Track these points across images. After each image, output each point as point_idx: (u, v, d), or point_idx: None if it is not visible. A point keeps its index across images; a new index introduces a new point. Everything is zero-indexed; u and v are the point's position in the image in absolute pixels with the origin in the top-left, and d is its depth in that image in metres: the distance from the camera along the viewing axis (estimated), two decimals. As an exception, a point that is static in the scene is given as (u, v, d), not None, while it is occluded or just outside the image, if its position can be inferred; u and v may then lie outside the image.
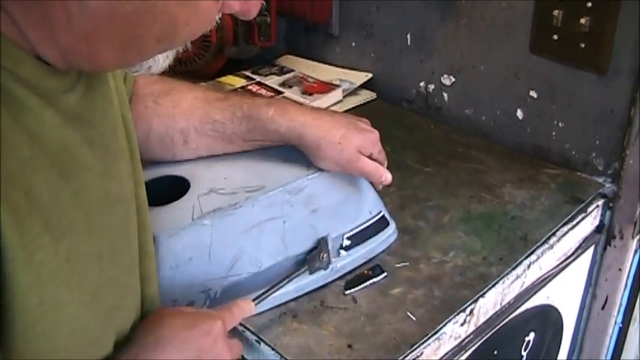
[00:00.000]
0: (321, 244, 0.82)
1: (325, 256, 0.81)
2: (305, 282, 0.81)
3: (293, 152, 0.85)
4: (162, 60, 0.55)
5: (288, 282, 0.78)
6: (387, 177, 0.86)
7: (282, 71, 1.39)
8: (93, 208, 0.54)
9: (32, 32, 0.47)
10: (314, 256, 0.81)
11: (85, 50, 0.48)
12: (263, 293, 0.75)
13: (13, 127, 0.47)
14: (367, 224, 0.87)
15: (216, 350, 0.64)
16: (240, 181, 0.81)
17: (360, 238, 0.86)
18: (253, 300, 0.73)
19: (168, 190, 0.80)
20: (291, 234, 0.80)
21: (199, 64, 1.34)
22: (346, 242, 0.85)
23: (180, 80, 0.90)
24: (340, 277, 0.84)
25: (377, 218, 0.88)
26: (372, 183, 0.89)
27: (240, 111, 0.84)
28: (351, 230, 0.85)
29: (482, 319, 0.85)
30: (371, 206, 0.88)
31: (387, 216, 0.90)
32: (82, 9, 0.45)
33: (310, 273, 0.81)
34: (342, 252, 0.84)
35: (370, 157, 0.85)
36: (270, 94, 1.30)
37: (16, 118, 0.47)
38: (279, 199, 0.79)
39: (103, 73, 0.59)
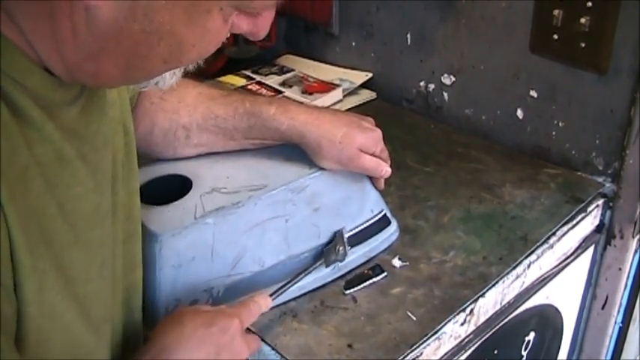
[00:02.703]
0: (336, 237, 0.82)
1: (341, 248, 0.82)
2: (306, 281, 0.81)
3: (295, 151, 0.85)
4: (170, 77, 0.55)
5: (305, 276, 0.78)
6: (387, 170, 0.86)
7: (283, 71, 1.40)
8: (82, 221, 0.54)
9: (40, 46, 0.47)
10: (330, 249, 0.81)
11: (91, 67, 0.48)
12: (280, 288, 0.75)
13: (18, 135, 0.47)
14: (369, 223, 0.87)
15: (234, 347, 0.64)
16: (243, 180, 0.81)
17: (361, 236, 0.86)
18: (270, 295, 0.73)
19: (170, 189, 0.80)
20: (294, 233, 0.80)
21: (199, 64, 1.34)
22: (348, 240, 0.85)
23: (185, 78, 0.90)
24: (341, 276, 0.84)
25: (379, 217, 0.88)
26: (374, 181, 0.88)
27: (243, 107, 0.84)
28: (353, 229, 0.85)
29: (482, 319, 0.85)
30: (373, 205, 0.88)
31: (389, 215, 0.90)
32: (89, 25, 0.45)
33: (327, 266, 0.81)
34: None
35: (374, 155, 0.85)
36: (270, 93, 1.30)
37: (20, 127, 0.47)
38: (281, 198, 0.79)
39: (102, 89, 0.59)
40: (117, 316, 0.64)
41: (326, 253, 0.81)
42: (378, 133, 0.86)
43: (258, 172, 0.82)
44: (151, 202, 0.77)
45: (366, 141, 0.83)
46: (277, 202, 0.79)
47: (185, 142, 0.85)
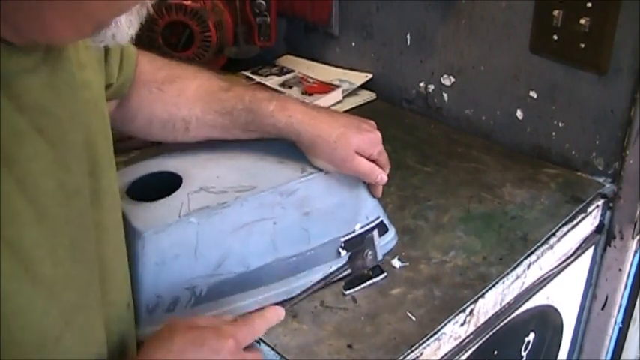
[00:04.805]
0: (365, 242, 0.80)
1: (370, 253, 0.79)
2: (295, 285, 0.81)
3: (291, 154, 0.84)
4: (127, 27, 0.52)
5: (325, 282, 0.78)
6: (382, 177, 0.85)
7: (282, 71, 1.40)
8: (45, 198, 0.52)
9: None
10: (357, 254, 0.79)
11: (36, 23, 0.47)
12: (296, 295, 0.76)
13: None
14: (364, 230, 0.86)
15: None
16: (232, 181, 0.81)
17: (355, 243, 0.85)
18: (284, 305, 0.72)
19: (162, 186, 0.80)
20: (282, 236, 0.80)
21: (199, 64, 1.34)
22: (342, 246, 0.84)
23: (186, 66, 0.90)
24: (336, 280, 0.84)
25: (375, 224, 0.87)
26: (371, 188, 0.87)
27: (242, 103, 0.84)
28: (346, 235, 0.84)
29: (482, 320, 0.85)
30: (369, 212, 0.87)
31: (387, 222, 0.89)
32: None
33: (352, 272, 0.80)
34: (343, 252, 0.84)
35: (370, 158, 0.84)
36: (270, 94, 1.30)
37: None
38: (269, 201, 0.79)
39: (69, 62, 0.57)
40: (99, 305, 0.61)
41: (352, 257, 0.79)
42: (377, 135, 0.84)
43: (248, 174, 0.82)
44: (141, 199, 0.78)
45: (362, 143, 0.82)
46: (265, 204, 0.79)
47: (184, 133, 0.86)
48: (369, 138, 0.83)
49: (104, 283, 0.61)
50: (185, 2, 1.29)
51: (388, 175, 0.86)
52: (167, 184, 0.80)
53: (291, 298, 0.77)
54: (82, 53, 0.61)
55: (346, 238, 0.84)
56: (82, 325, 0.57)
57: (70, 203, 0.55)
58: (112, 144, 0.66)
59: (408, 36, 1.24)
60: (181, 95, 0.85)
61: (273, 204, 0.79)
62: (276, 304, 0.78)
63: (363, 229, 0.85)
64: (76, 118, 0.57)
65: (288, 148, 0.85)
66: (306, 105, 0.87)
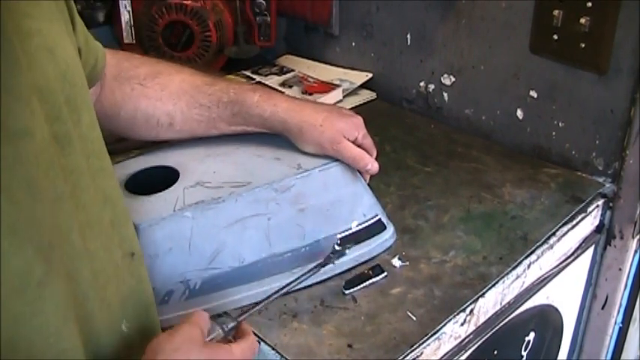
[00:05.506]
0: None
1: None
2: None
3: (287, 150, 0.85)
4: None
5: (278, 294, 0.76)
6: (373, 165, 0.86)
7: (282, 71, 1.40)
8: None
9: None
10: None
11: None
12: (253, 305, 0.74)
13: None
14: (361, 227, 0.86)
15: None
16: (229, 176, 0.82)
17: (352, 240, 0.85)
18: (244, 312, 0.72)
19: (160, 180, 0.81)
20: (277, 232, 0.80)
21: (199, 64, 1.34)
22: (338, 243, 0.84)
23: (166, 62, 0.91)
24: (333, 277, 0.84)
25: (372, 221, 0.87)
26: (362, 175, 0.88)
27: (227, 96, 0.86)
28: (342, 232, 0.84)
29: (482, 319, 0.85)
30: (366, 209, 0.87)
31: (385, 220, 0.89)
32: None
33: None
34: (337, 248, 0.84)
35: (355, 142, 0.85)
36: (270, 94, 1.30)
37: None
38: (264, 196, 0.80)
39: (6, 11, 0.54)
40: (83, 242, 0.58)
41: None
42: (359, 119, 0.87)
43: (245, 170, 0.83)
44: (139, 192, 0.78)
45: (346, 125, 0.85)
46: (259, 200, 0.79)
47: (168, 128, 0.87)
48: (352, 121, 0.86)
49: (87, 229, 0.59)
50: (185, 2, 1.29)
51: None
52: (165, 178, 0.81)
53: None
54: (24, 5, 0.57)
55: (342, 235, 0.84)
56: (64, 264, 0.55)
57: (18, 144, 0.53)
58: (86, 92, 0.63)
59: (408, 36, 1.24)
60: (165, 90, 0.86)
61: (268, 200, 0.80)
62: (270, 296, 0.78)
63: (359, 227, 0.86)
64: (14, 61, 0.54)
65: (285, 144, 0.86)
66: (288, 96, 0.91)
